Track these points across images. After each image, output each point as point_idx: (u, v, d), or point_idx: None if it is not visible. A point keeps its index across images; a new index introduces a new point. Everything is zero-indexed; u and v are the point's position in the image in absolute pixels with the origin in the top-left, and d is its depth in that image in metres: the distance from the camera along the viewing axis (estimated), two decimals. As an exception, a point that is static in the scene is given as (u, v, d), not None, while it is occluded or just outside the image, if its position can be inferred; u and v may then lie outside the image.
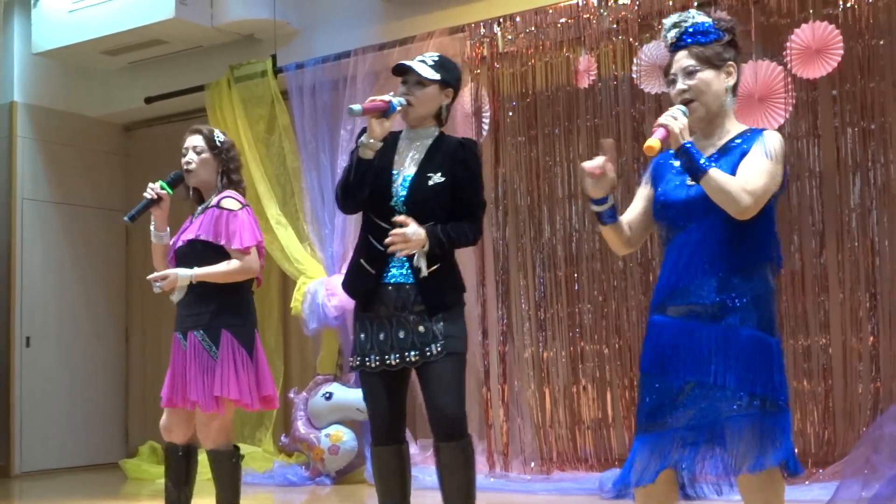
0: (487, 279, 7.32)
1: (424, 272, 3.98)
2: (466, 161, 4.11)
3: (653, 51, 6.43)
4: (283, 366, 8.45)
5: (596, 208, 3.46)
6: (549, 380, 7.04)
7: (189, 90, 8.67)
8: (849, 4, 6.09)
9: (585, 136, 7.00)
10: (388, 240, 3.95)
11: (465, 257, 7.36)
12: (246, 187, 5.12)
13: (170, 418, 4.96)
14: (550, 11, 7.03)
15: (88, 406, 9.40)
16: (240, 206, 4.82)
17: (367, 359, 4.08)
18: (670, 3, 6.55)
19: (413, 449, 7.19)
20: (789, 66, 6.07)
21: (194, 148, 4.88)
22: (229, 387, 4.73)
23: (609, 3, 6.78)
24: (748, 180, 3.23)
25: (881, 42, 6.06)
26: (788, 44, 6.07)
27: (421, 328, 4.02)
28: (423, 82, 4.08)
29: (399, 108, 4.04)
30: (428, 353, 4.00)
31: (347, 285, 4.22)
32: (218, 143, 4.90)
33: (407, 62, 4.13)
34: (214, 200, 4.84)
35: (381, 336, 4.07)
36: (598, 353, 6.90)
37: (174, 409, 4.88)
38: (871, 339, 6.00)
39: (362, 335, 4.11)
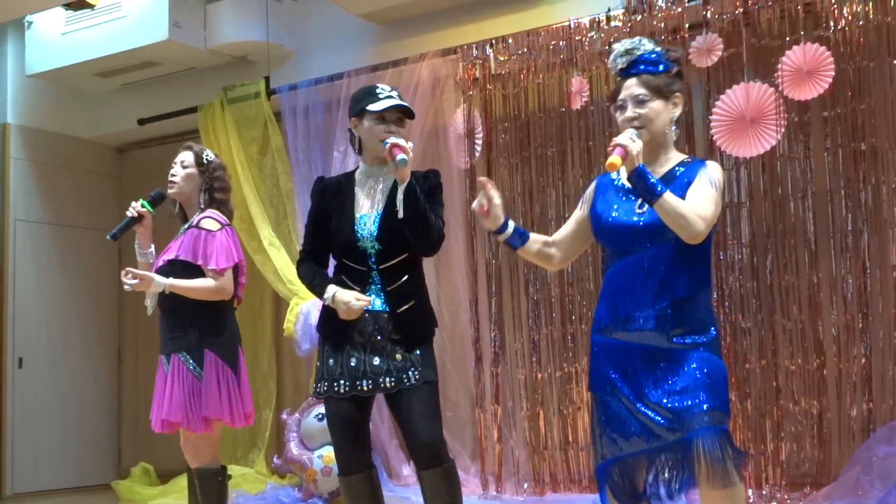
0: (480, 301, 7.31)
1: (400, 213, 3.97)
2: (433, 188, 4.14)
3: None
4: (276, 387, 8.44)
5: (499, 238, 3.60)
6: (543, 401, 7.03)
7: (182, 112, 8.69)
8: (840, 26, 6.12)
9: (578, 158, 7.01)
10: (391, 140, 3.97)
11: (458, 279, 7.39)
12: (233, 209, 5.16)
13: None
14: (543, 33, 7.05)
15: (81, 427, 9.38)
16: (219, 226, 4.87)
17: (335, 384, 4.06)
18: (661, 24, 6.57)
19: (406, 470, 7.21)
20: (781, 87, 6.09)
21: (182, 163, 4.98)
22: (218, 407, 4.77)
23: (601, 25, 6.80)
24: (699, 206, 3.31)
25: (871, 64, 6.08)
26: (780, 65, 6.09)
27: (398, 356, 4.03)
28: (401, 119, 4.13)
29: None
30: (405, 381, 4.01)
31: (322, 326, 4.20)
32: (205, 161, 4.96)
33: (402, 102, 4.12)
34: (195, 220, 4.87)
35: (353, 362, 4.06)
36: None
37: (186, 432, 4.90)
38: (864, 360, 6.00)
39: (331, 361, 4.10)
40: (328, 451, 7.30)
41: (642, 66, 3.48)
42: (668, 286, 3.37)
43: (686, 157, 3.56)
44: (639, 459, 3.37)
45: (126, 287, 4.72)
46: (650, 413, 3.33)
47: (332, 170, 7.72)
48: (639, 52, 3.50)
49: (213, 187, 4.96)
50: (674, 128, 3.52)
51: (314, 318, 7.47)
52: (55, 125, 9.38)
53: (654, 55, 3.50)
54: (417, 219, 3.98)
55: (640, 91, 3.45)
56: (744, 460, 3.32)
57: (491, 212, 3.55)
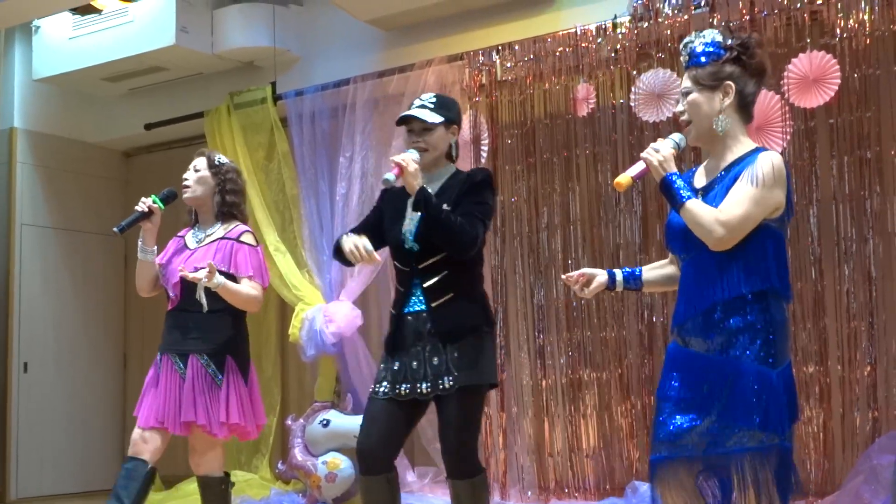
0: (485, 306, 7.29)
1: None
2: (473, 185, 4.17)
3: (650, 79, 6.45)
4: (281, 392, 8.43)
5: (616, 290, 3.67)
6: (548, 407, 7.02)
7: (189, 117, 8.68)
8: (846, 34, 6.11)
9: (584, 164, 7.00)
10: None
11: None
12: (248, 214, 5.20)
13: (148, 435, 4.85)
14: (549, 40, 7.05)
15: (86, 432, 9.38)
16: (257, 243, 4.97)
17: (397, 388, 4.10)
18: (668, 32, 6.57)
19: (410, 476, 7.19)
20: (787, 95, 6.08)
21: (195, 167, 5.02)
22: (235, 413, 4.77)
23: (607, 32, 6.80)
24: (724, 210, 3.21)
25: (878, 72, 6.08)
26: (786, 73, 6.08)
27: (435, 359, 4.05)
28: (428, 128, 4.17)
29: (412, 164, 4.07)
30: (440, 386, 4.03)
31: (387, 338, 4.26)
32: (217, 163, 4.99)
33: (410, 112, 4.20)
34: (229, 233, 4.91)
35: (396, 366, 4.13)
36: (596, 380, 6.88)
37: (155, 429, 4.82)
38: (869, 368, 5.98)
39: (382, 365, 4.19)
40: (332, 458, 7.30)
41: (692, 61, 3.47)
42: (709, 291, 3.27)
43: (753, 146, 3.43)
44: (692, 461, 3.26)
45: (201, 279, 4.64)
46: (696, 422, 3.23)
47: (338, 176, 7.73)
48: (691, 46, 3.50)
49: (226, 189, 4.99)
50: (732, 116, 3.40)
51: (319, 323, 7.47)
52: (62, 129, 9.39)
53: (705, 46, 3.47)
54: (434, 225, 4.02)
55: (686, 85, 3.45)
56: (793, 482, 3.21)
57: (592, 284, 3.62)
